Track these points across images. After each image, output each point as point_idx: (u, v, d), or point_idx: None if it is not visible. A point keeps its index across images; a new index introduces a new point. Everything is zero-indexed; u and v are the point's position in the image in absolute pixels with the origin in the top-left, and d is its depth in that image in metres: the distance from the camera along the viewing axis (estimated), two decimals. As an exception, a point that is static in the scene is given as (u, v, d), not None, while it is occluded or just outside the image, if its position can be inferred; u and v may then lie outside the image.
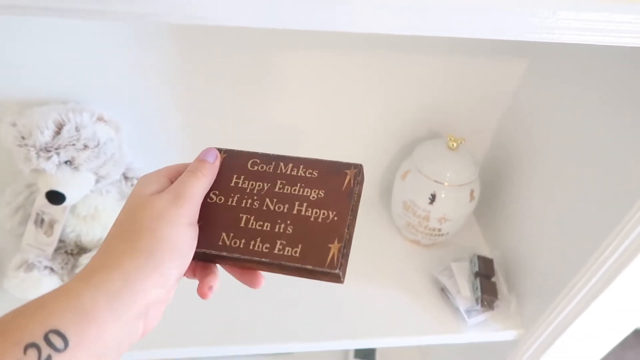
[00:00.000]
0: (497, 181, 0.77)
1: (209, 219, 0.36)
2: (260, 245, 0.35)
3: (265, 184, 0.37)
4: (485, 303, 0.68)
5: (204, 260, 0.36)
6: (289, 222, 0.35)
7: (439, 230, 0.71)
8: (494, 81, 0.71)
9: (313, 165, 0.37)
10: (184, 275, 0.35)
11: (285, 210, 0.36)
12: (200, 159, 0.37)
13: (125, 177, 0.65)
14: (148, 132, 0.69)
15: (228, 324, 0.65)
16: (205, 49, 0.62)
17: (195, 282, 0.36)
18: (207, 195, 0.37)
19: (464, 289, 0.69)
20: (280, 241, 0.35)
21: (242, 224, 0.36)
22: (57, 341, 0.26)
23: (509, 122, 0.74)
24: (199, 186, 0.35)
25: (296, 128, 0.72)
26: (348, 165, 0.37)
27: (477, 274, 0.71)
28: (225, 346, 0.63)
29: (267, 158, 0.38)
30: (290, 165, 0.37)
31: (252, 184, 0.37)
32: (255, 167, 0.38)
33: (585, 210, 0.57)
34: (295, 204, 0.36)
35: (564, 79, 0.62)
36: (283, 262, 0.34)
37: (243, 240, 0.35)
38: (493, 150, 0.79)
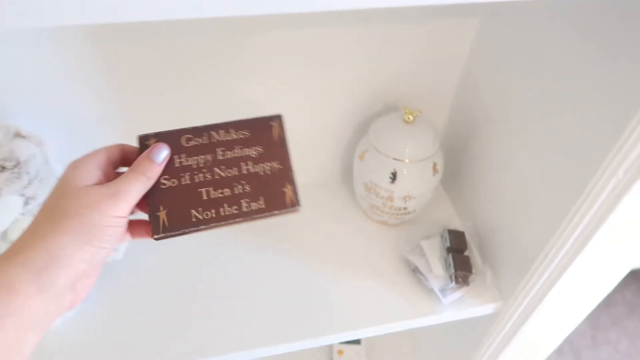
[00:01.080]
0: (461, 150, 0.74)
1: (172, 203, 0.39)
2: (229, 209, 0.39)
3: (208, 155, 0.40)
4: (460, 279, 0.65)
5: (181, 236, 0.39)
6: (243, 182, 0.40)
7: (405, 209, 0.68)
8: (446, 46, 0.66)
9: (241, 126, 0.41)
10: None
11: (236, 173, 0.40)
12: (150, 159, 0.38)
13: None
14: (80, 140, 0.64)
15: (201, 335, 0.61)
16: (131, 44, 0.56)
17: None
18: (159, 182, 0.39)
19: (436, 268, 0.66)
20: (244, 200, 0.39)
21: (205, 197, 0.39)
22: None
23: (466, 88, 0.71)
24: (142, 188, 0.37)
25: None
26: (271, 118, 0.41)
27: (449, 250, 0.67)
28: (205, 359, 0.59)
29: (197, 131, 0.40)
30: (222, 131, 0.40)
31: (195, 160, 0.40)
32: (191, 143, 0.40)
33: (552, 174, 0.54)
34: (241, 165, 0.40)
35: (517, 36, 0.58)
36: (254, 216, 0.39)
37: (213, 210, 0.39)
38: (453, 118, 0.75)
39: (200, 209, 0.39)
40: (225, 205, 0.39)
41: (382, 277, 0.67)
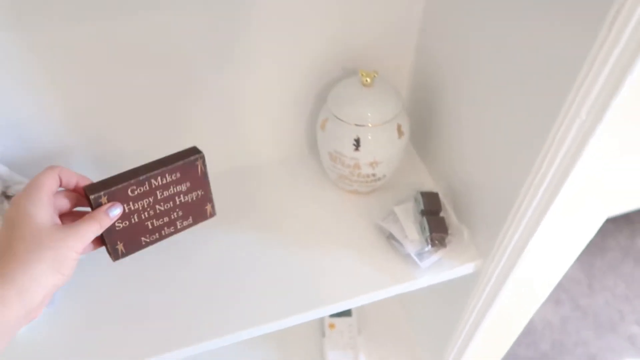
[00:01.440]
0: (429, 111, 0.71)
1: (126, 237, 0.50)
2: (168, 229, 0.54)
3: (150, 198, 0.50)
4: (436, 242, 0.63)
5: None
6: (177, 210, 0.54)
7: (374, 175, 0.65)
8: (400, 6, 0.63)
9: (174, 170, 0.51)
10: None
11: (172, 205, 0.53)
12: (106, 214, 0.47)
13: (7, 196, 0.57)
14: (17, 137, 0.60)
15: (186, 323, 0.59)
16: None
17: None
18: (114, 225, 0.49)
19: (411, 232, 0.63)
20: (178, 221, 0.55)
21: (151, 227, 0.52)
22: None
23: (424, 47, 0.67)
24: (96, 233, 0.46)
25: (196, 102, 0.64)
26: (196, 159, 0.52)
27: (423, 212, 0.65)
28: (194, 345, 0.57)
29: (139, 182, 0.49)
30: (159, 177, 0.50)
31: (140, 203, 0.50)
32: (135, 192, 0.49)
33: (517, 125, 0.51)
34: (175, 198, 0.53)
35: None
36: (185, 229, 0.56)
37: (157, 234, 0.54)
38: (417, 79, 0.72)
39: (147, 235, 0.53)
40: (165, 228, 0.54)
41: (357, 247, 0.65)
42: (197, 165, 0.53)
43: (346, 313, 1.01)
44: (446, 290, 0.76)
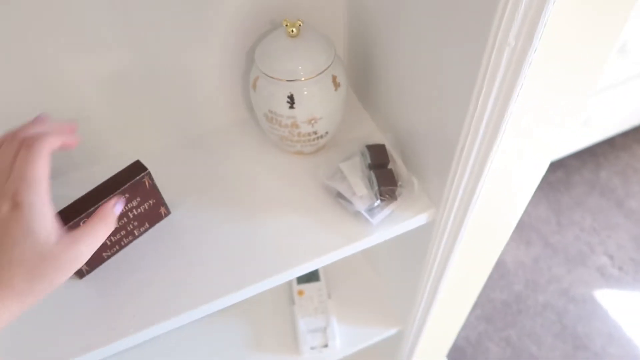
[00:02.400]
0: (365, 57, 0.67)
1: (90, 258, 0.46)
2: (126, 239, 0.59)
3: None
4: (386, 195, 0.60)
5: None
6: (134, 221, 0.58)
7: (315, 133, 0.62)
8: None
9: (122, 193, 0.53)
10: None
11: (126, 220, 0.57)
12: (112, 209, 0.44)
13: None
14: None
15: (147, 303, 0.56)
16: None
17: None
18: None
19: (358, 188, 0.61)
20: (136, 230, 0.59)
21: (109, 243, 0.57)
22: None
23: (355, -15, 0.63)
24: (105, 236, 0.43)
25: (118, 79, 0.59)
26: (142, 176, 0.55)
27: (370, 166, 0.63)
28: (160, 323, 0.54)
29: (89, 214, 0.50)
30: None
31: None
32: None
33: (450, 62, 0.48)
34: (129, 214, 0.57)
35: None
36: (144, 234, 0.60)
37: (117, 246, 0.58)
38: (352, 23, 0.68)
39: (107, 250, 0.57)
40: (124, 239, 0.58)
41: (307, 209, 0.62)
42: (144, 182, 0.55)
43: (314, 278, 0.99)
44: (406, 242, 0.75)
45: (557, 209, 1.82)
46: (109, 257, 0.58)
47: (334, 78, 0.59)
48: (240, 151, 0.69)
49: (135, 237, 0.60)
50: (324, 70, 0.57)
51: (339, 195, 0.62)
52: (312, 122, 0.60)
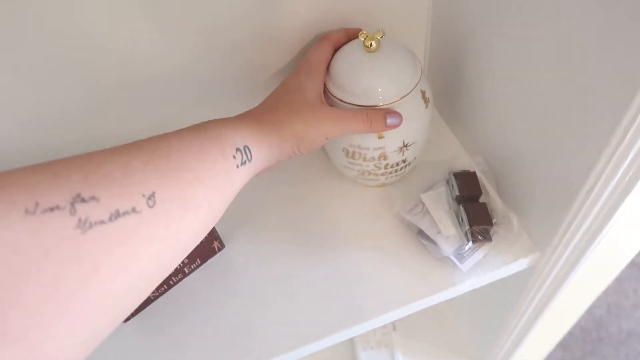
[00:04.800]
0: (453, 64, 0.57)
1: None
2: (175, 278, 0.53)
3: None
4: (479, 237, 0.50)
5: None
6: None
7: (404, 162, 0.51)
8: None
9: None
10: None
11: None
12: (383, 116, 0.45)
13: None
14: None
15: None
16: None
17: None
18: None
19: (445, 227, 0.51)
20: (186, 267, 0.53)
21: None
22: (249, 154, 0.36)
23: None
24: (360, 130, 0.45)
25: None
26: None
27: (458, 199, 0.52)
28: None
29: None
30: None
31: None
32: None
33: (585, 78, 0.37)
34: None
35: None
36: (195, 271, 0.54)
37: (164, 286, 0.52)
38: (436, 33, 0.57)
39: (154, 290, 0.51)
40: (173, 277, 0.52)
41: (380, 250, 0.53)
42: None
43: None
44: (494, 285, 0.64)
45: None
46: (155, 297, 0.52)
47: (423, 94, 0.48)
48: (304, 180, 0.60)
49: (185, 275, 0.53)
50: (412, 89, 0.46)
51: (421, 233, 0.52)
52: (403, 150, 0.49)
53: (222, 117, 0.38)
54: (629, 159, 0.36)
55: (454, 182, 0.53)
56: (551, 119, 0.42)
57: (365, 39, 0.45)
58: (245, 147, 0.36)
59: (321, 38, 0.48)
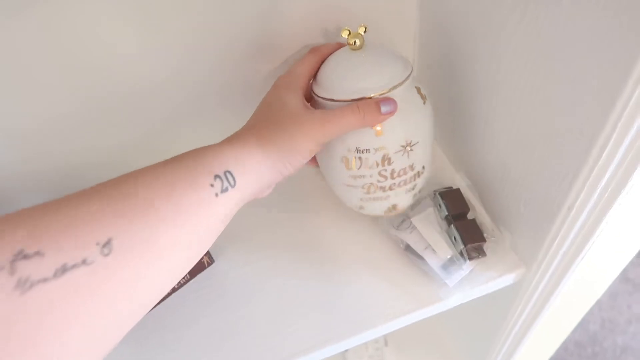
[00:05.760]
0: (440, 75, 0.57)
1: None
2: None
3: None
4: (474, 254, 0.50)
5: None
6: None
7: (412, 168, 0.47)
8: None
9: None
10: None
11: None
12: (377, 105, 0.42)
13: None
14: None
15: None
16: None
17: None
18: None
19: (441, 249, 0.51)
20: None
21: None
22: (231, 179, 0.34)
23: None
24: (356, 126, 0.42)
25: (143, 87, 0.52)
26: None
27: (448, 219, 0.53)
28: None
29: None
30: None
31: None
32: None
33: (565, 88, 0.38)
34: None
35: None
36: (183, 286, 0.54)
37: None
38: (424, 37, 0.58)
39: None
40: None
41: (368, 264, 0.53)
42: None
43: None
44: (482, 299, 0.64)
45: (637, 238, 1.63)
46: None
47: (418, 90, 0.47)
48: (294, 197, 0.61)
49: (174, 290, 0.53)
50: (406, 78, 0.45)
51: (408, 248, 0.52)
52: (408, 151, 0.46)
53: (206, 144, 0.37)
54: (607, 176, 0.37)
55: (440, 201, 0.54)
56: (533, 135, 0.43)
57: (348, 35, 0.44)
58: (227, 172, 0.34)
59: (310, 50, 0.47)
